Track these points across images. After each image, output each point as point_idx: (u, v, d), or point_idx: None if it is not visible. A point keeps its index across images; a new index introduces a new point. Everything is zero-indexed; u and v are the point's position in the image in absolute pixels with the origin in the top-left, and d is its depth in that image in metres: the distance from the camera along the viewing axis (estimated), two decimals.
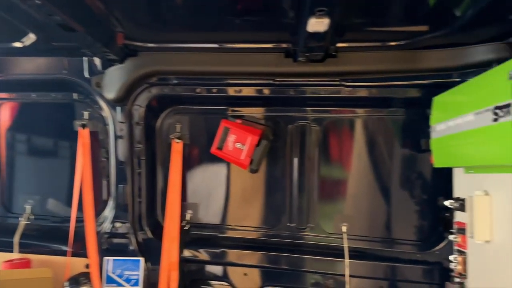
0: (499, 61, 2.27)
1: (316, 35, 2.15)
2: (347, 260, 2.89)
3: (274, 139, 3.04)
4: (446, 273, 2.77)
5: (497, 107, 1.80)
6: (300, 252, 3.06)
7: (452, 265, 2.61)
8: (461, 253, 2.56)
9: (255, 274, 3.10)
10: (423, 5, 2.15)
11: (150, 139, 3.18)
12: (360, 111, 3.04)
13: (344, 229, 3.01)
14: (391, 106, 2.96)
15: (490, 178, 2.26)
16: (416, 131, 2.95)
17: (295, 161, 3.11)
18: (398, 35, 2.50)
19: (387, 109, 2.99)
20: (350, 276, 2.89)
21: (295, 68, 2.72)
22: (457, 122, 2.25)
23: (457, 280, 2.58)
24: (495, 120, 1.82)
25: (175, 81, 2.92)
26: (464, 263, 2.53)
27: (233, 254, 3.15)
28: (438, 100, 2.59)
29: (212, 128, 3.07)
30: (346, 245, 2.94)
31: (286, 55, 2.70)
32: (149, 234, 3.17)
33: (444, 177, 2.88)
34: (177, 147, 3.15)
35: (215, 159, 3.07)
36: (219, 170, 3.22)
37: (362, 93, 2.81)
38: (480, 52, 2.44)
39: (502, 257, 2.12)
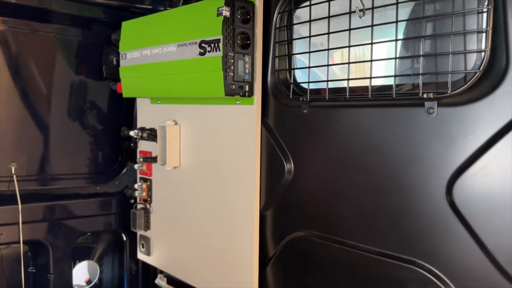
0: None
1: None
2: (20, 206, 2.42)
3: None
4: (127, 201, 2.84)
5: (204, 42, 1.88)
6: None
7: (136, 193, 2.69)
8: (146, 180, 2.67)
9: None
10: None
11: None
12: (38, 26, 2.44)
13: (13, 170, 2.47)
14: (75, 25, 2.55)
15: (177, 108, 2.41)
16: (99, 56, 2.71)
17: None
18: None
19: (71, 28, 2.56)
20: (24, 223, 2.45)
21: None
22: (154, 52, 2.21)
23: (140, 206, 2.69)
24: (202, 54, 1.90)
25: None
26: (148, 189, 2.66)
27: None
28: (129, 26, 2.44)
29: None
30: (17, 188, 2.44)
31: None
32: None
33: (127, 107, 2.86)
34: None
35: None
36: None
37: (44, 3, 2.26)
38: None
39: (186, 179, 2.37)
